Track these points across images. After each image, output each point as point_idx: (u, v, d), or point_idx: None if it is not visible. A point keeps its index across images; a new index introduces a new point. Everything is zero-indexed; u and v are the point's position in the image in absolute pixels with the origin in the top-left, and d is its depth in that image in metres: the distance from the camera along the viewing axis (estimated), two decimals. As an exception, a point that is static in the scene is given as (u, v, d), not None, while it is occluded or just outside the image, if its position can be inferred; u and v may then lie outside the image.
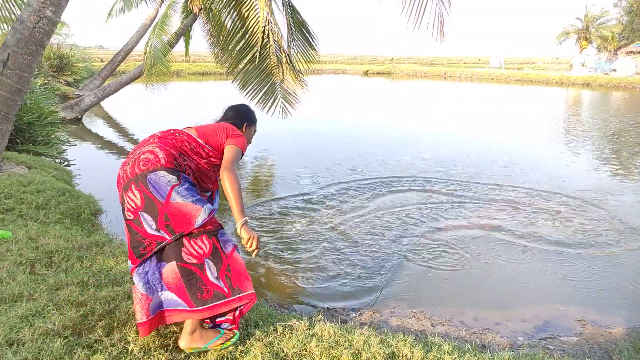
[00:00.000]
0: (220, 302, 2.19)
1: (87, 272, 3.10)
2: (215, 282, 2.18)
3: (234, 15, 6.30)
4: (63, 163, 7.66)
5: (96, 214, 4.86)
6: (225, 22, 6.38)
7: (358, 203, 6.10)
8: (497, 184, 7.08)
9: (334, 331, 2.55)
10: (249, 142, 2.70)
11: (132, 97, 19.14)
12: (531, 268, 4.32)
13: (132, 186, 2.11)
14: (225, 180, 2.22)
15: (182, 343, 2.22)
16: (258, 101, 7.14)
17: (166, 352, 2.22)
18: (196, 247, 2.17)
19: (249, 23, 6.32)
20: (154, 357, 2.16)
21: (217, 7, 6.35)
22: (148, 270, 2.17)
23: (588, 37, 38.74)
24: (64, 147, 8.25)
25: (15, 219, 4.07)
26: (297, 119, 8.44)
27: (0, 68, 4.85)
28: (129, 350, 2.18)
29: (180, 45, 13.38)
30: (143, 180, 2.10)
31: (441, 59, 65.81)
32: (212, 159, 2.41)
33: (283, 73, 6.76)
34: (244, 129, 2.68)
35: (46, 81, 14.96)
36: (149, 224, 2.11)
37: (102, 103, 14.54)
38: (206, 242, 2.18)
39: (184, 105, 17.04)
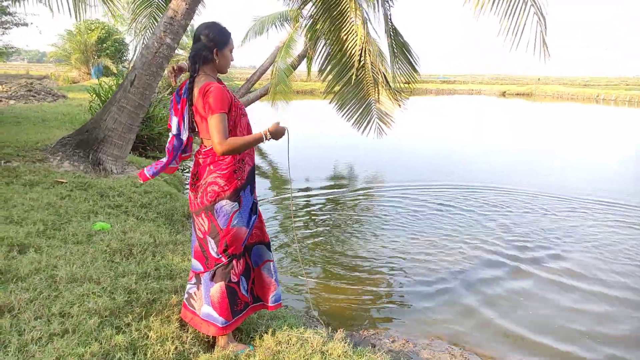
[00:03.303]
0: (246, 310, 2.56)
1: (154, 265, 3.54)
2: (245, 294, 2.54)
3: (333, 39, 6.62)
4: (183, 169, 8.69)
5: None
6: (324, 47, 6.77)
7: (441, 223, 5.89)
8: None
9: (343, 351, 2.57)
10: (226, 68, 2.40)
11: (260, 112, 20.76)
12: (577, 305, 3.76)
13: (203, 214, 2.40)
14: (228, 153, 2.24)
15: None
16: (354, 122, 7.35)
17: (180, 343, 2.48)
18: (239, 268, 2.49)
19: (347, 46, 6.58)
20: (166, 346, 2.43)
21: (320, 30, 6.70)
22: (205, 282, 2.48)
23: None
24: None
25: (120, 214, 4.78)
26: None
27: (128, 86, 5.79)
28: (148, 336, 2.48)
29: (303, 65, 14.24)
30: (211, 210, 2.37)
31: (599, 80, 59.49)
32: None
33: (379, 93, 6.87)
34: (215, 56, 2.32)
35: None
36: (212, 248, 2.42)
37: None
38: (241, 261, 2.50)
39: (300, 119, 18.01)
